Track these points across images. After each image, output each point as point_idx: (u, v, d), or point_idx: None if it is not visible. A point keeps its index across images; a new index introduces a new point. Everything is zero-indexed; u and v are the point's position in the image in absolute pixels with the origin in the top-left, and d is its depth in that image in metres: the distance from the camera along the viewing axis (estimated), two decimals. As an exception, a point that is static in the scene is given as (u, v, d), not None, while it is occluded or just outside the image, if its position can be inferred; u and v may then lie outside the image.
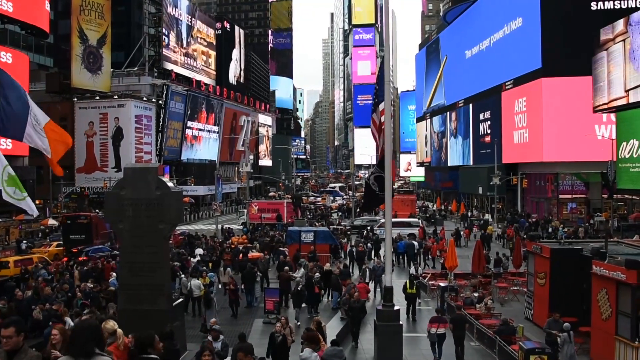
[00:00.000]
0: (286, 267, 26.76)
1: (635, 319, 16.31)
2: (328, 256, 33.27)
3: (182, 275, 25.20)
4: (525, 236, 35.40)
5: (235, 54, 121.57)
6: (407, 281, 24.17)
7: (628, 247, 20.63)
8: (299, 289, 23.65)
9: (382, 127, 17.65)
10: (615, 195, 48.42)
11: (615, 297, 17.08)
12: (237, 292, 24.38)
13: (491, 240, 44.15)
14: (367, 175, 21.98)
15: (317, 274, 26.28)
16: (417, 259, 36.38)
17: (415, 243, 37.74)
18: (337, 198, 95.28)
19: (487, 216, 61.45)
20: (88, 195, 69.82)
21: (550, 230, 46.21)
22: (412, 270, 28.21)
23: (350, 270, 34.69)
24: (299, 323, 21.69)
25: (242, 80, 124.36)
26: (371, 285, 27.37)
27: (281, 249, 35.48)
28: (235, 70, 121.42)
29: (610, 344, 17.09)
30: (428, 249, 39.43)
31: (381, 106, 17.62)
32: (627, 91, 41.58)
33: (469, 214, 65.56)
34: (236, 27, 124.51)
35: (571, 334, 16.73)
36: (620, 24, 42.52)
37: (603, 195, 52.36)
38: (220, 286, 27.29)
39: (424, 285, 27.94)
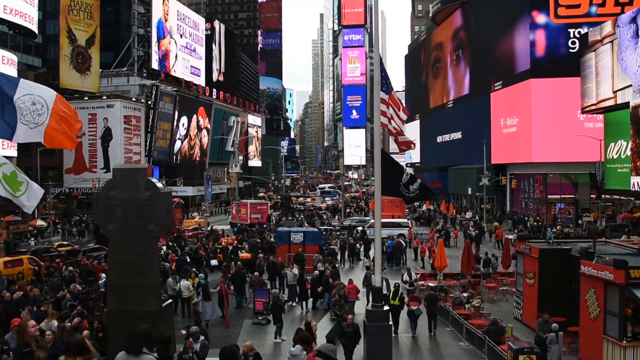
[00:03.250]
0: (256, 273, 25.94)
1: (623, 319, 16.42)
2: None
3: (170, 277, 25.08)
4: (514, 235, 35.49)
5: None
6: (392, 291, 22.35)
7: (616, 247, 20.76)
8: (271, 302, 21.54)
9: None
10: (603, 196, 48.69)
11: (603, 296, 17.18)
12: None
13: (481, 241, 44.19)
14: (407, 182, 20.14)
15: (315, 271, 26.44)
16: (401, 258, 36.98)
17: (397, 240, 38.00)
18: (329, 198, 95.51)
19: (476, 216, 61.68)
20: (77, 196, 69.48)
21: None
22: (406, 276, 26.74)
23: (342, 264, 34.92)
24: (284, 339, 20.23)
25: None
26: (364, 298, 26.59)
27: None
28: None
29: (598, 343, 17.18)
30: (414, 248, 39.74)
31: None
32: (615, 92, 41.86)
33: (458, 214, 65.88)
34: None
35: (559, 334, 16.81)
36: (608, 26, 42.80)
37: (591, 196, 52.65)
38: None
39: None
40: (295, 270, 26.78)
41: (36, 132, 12.84)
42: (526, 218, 54.39)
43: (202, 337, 14.69)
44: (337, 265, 34.73)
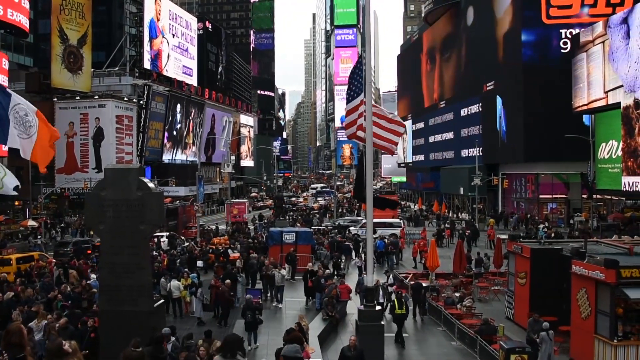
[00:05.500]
0: (227, 281, 24.14)
1: (614, 318, 16.49)
2: (310, 257, 33.33)
3: (162, 278, 24.96)
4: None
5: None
6: (395, 300, 21.53)
7: (607, 247, 20.83)
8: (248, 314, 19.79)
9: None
10: (594, 196, 48.88)
11: (594, 296, 17.24)
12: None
13: (475, 242, 44.14)
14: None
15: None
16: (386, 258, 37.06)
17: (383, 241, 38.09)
18: (321, 198, 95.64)
19: (463, 214, 61.85)
20: (68, 196, 69.17)
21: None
22: (384, 279, 26.21)
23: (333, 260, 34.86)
24: (257, 345, 19.82)
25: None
26: (357, 298, 25.64)
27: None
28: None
29: (589, 342, 17.24)
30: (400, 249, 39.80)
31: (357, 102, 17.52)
32: (606, 92, 42.05)
33: (450, 214, 65.99)
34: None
35: (550, 333, 16.86)
36: (599, 26, 42.99)
37: (583, 196, 52.83)
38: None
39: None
40: (283, 271, 26.71)
41: (26, 143, 12.95)
42: (529, 216, 54.54)
43: (173, 339, 14.60)
44: (348, 261, 35.06)
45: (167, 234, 42.95)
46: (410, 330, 22.40)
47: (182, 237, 45.42)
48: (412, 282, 26.62)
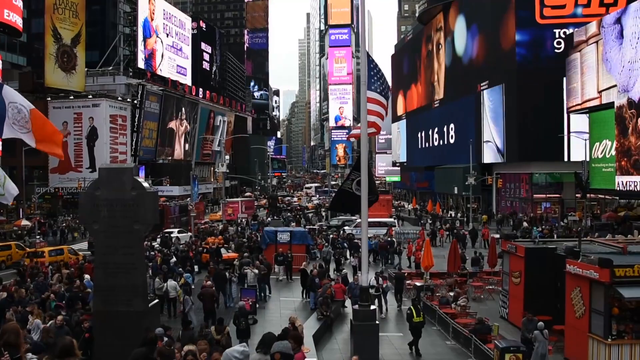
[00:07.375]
0: (209, 282, 23.48)
1: (608, 317, 16.53)
2: (304, 256, 33.35)
3: (157, 278, 24.88)
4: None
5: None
6: (412, 308, 19.99)
7: (601, 246, 20.87)
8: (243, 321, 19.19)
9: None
10: (588, 195, 49.00)
11: (588, 295, 17.27)
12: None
13: (473, 244, 44.10)
14: (346, 182, 20.69)
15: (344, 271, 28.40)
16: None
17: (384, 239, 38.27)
18: (315, 198, 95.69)
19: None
20: (62, 196, 68.97)
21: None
22: (373, 281, 24.64)
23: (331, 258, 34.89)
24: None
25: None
26: (349, 302, 24.70)
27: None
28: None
29: (583, 341, 17.28)
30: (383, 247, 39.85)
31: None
32: (599, 92, 42.18)
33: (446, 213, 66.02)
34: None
35: (545, 332, 16.89)
36: (593, 26, 43.12)
37: (577, 195, 52.97)
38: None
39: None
40: (256, 271, 26.62)
41: (27, 136, 12.92)
42: (524, 216, 54.67)
43: (166, 339, 14.54)
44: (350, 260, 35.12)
45: (178, 229, 47.50)
46: (404, 329, 22.38)
47: (191, 234, 46.59)
48: (393, 272, 26.87)
